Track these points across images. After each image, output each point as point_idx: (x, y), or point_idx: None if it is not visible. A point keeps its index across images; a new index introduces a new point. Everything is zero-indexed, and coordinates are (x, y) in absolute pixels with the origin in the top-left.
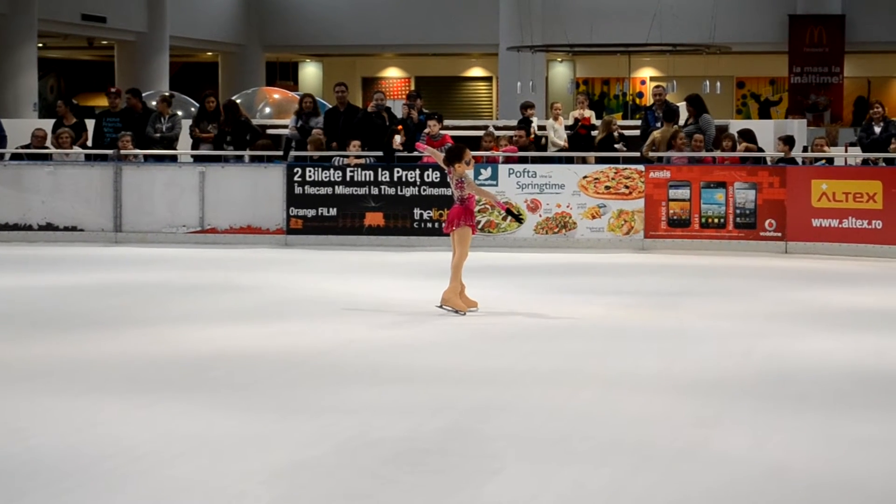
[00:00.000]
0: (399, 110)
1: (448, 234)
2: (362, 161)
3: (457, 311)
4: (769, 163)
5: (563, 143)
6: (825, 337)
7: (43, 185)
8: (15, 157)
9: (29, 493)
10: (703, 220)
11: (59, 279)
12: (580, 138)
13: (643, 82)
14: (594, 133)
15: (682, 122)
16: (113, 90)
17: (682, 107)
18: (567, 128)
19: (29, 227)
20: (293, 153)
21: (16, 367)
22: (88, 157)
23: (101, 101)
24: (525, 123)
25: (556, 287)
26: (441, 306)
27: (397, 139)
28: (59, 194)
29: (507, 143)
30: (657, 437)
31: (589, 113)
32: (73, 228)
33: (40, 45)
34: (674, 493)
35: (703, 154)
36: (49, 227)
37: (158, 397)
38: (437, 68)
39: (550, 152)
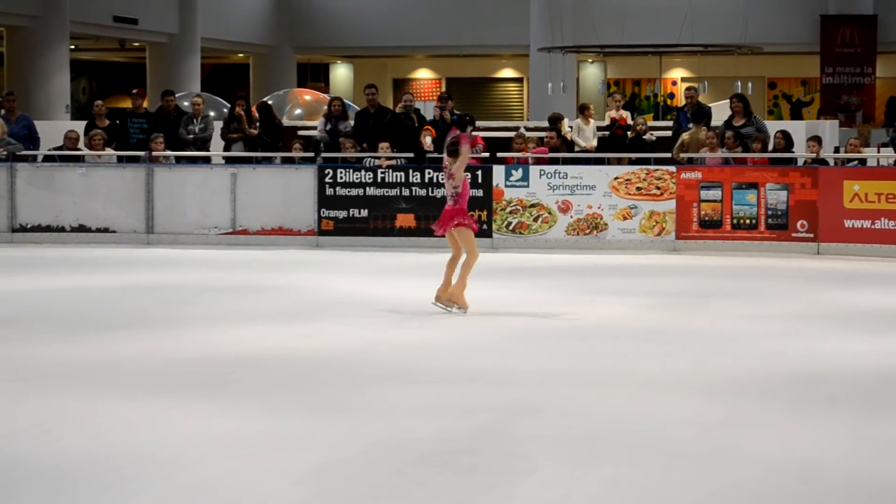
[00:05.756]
0: (430, 112)
1: (442, 236)
2: (393, 162)
3: (460, 309)
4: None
5: (586, 144)
6: (857, 338)
7: (75, 187)
8: (48, 158)
9: (56, 494)
10: (735, 221)
11: (90, 280)
12: (617, 139)
13: (674, 83)
14: (629, 133)
15: (718, 122)
16: (135, 91)
17: (721, 105)
18: (604, 128)
19: (61, 229)
20: (322, 155)
21: (46, 368)
22: (120, 159)
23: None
24: (553, 124)
25: (588, 288)
26: (449, 308)
27: (427, 140)
28: (91, 196)
29: (537, 144)
30: (689, 437)
31: (625, 113)
32: (106, 230)
33: (72, 46)
34: (705, 493)
35: (732, 155)
36: (81, 228)
37: (188, 398)
38: (467, 69)
39: (580, 153)
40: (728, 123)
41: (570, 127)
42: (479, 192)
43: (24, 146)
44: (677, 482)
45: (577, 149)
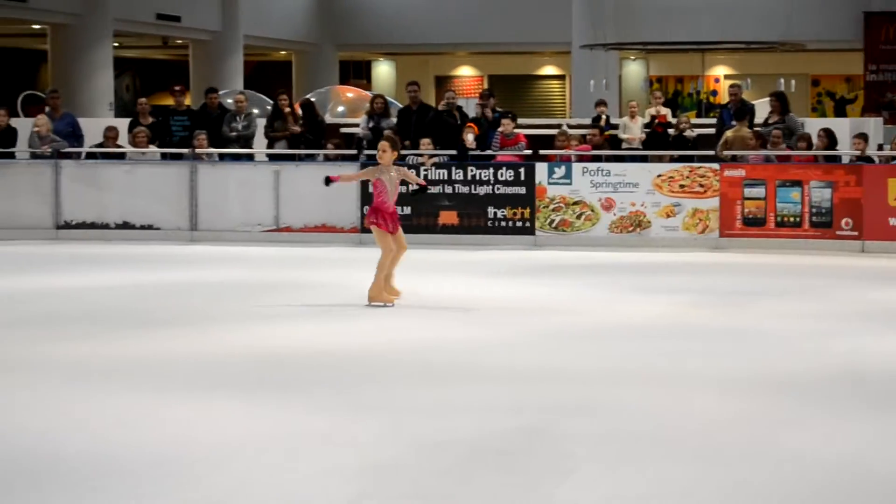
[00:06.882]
0: (472, 109)
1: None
2: (436, 160)
3: (385, 305)
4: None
5: (630, 135)
6: None
7: (120, 184)
8: (91, 155)
9: (100, 489)
10: (779, 218)
11: (135, 278)
12: (657, 136)
13: (717, 80)
14: (671, 131)
15: (758, 119)
16: (177, 88)
17: (765, 102)
18: (645, 125)
19: (106, 226)
20: (365, 152)
21: (91, 365)
22: (164, 156)
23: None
24: (597, 120)
25: (631, 286)
26: (370, 304)
27: (469, 137)
28: (135, 193)
29: (580, 141)
30: (731, 436)
31: (665, 110)
32: (150, 227)
33: (116, 44)
34: (748, 492)
35: (777, 152)
36: (126, 225)
37: (232, 395)
38: (509, 67)
39: (624, 151)
40: (766, 122)
41: (616, 124)
42: (522, 190)
43: (69, 143)
44: (720, 481)
45: (624, 145)
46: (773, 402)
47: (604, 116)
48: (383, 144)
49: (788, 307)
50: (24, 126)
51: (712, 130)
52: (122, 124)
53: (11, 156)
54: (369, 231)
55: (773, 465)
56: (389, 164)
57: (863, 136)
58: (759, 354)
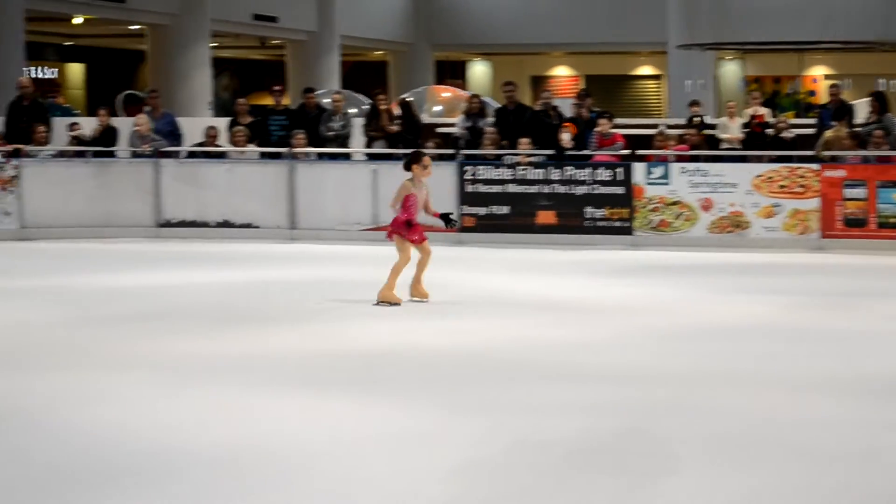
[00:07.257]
0: (569, 109)
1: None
2: (532, 159)
3: (392, 304)
4: None
5: (730, 135)
6: None
7: (219, 183)
8: (191, 154)
9: (212, 483)
10: (880, 219)
11: (234, 275)
12: (755, 136)
13: (815, 80)
14: (769, 131)
15: (859, 119)
16: (277, 88)
17: (864, 103)
18: (744, 125)
19: (206, 224)
20: (462, 152)
21: (193, 362)
22: (263, 155)
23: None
24: (691, 121)
25: (731, 286)
26: (378, 303)
27: (566, 137)
28: (235, 192)
29: (678, 141)
30: (839, 438)
31: (763, 110)
32: (249, 226)
33: (214, 44)
34: (857, 495)
35: (878, 153)
36: (225, 224)
37: (332, 393)
38: (605, 67)
39: (722, 151)
40: (865, 122)
41: (711, 124)
42: (620, 190)
43: (168, 143)
44: (829, 484)
45: (723, 145)
46: (881, 404)
47: (697, 117)
48: (430, 161)
49: (892, 309)
50: (124, 125)
51: (811, 131)
52: (221, 124)
53: (112, 155)
54: (469, 230)
55: (883, 468)
56: (422, 182)
57: None
58: (866, 356)
